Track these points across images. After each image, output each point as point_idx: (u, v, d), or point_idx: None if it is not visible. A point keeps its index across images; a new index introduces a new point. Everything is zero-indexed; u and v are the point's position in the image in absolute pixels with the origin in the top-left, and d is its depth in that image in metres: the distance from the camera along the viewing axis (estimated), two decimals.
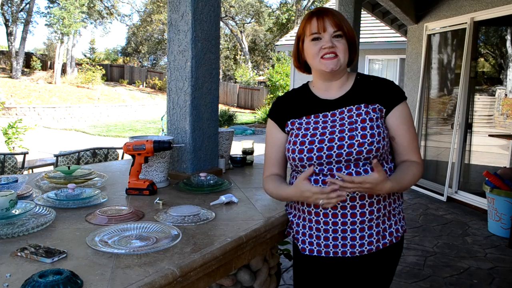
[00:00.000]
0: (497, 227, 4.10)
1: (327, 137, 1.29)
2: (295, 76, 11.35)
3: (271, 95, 17.43)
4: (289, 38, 11.84)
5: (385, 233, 1.32)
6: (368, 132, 1.26)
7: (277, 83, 16.82)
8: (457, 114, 5.32)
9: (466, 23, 5.26)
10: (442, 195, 5.41)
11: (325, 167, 1.28)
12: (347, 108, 1.33)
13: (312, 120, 1.35)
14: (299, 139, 1.33)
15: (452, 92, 5.74)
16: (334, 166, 1.27)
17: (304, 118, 1.37)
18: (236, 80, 26.68)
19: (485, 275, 3.18)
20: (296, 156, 1.31)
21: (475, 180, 5.44)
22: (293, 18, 28.49)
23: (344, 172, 1.27)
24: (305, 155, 1.29)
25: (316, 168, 1.29)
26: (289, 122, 1.39)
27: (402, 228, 1.38)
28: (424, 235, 4.03)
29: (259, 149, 3.40)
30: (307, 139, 1.31)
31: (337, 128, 1.29)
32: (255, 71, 31.09)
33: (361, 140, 1.25)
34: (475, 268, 3.30)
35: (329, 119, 1.33)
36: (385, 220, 1.32)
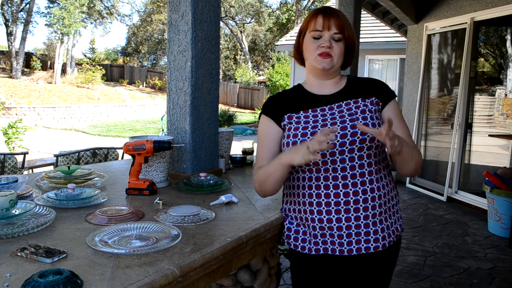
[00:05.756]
0: (497, 227, 4.10)
1: (328, 128, 1.29)
2: (295, 76, 11.34)
3: (271, 95, 17.43)
4: (289, 38, 11.83)
5: (388, 231, 1.33)
6: (369, 121, 1.29)
7: (277, 83, 16.84)
8: (457, 114, 5.32)
9: (466, 23, 5.26)
10: (442, 195, 5.41)
11: (328, 158, 1.28)
12: (345, 102, 1.36)
13: (310, 114, 1.36)
14: (299, 132, 1.33)
15: (452, 92, 5.74)
16: (337, 157, 1.27)
17: (301, 112, 1.38)
18: (236, 80, 26.67)
19: (485, 275, 3.18)
20: None
21: (475, 180, 5.44)
22: (293, 18, 28.48)
23: (347, 164, 1.27)
24: None
25: (319, 160, 1.28)
26: (285, 116, 1.39)
27: (400, 226, 1.40)
28: (424, 235, 4.03)
29: None
30: (308, 130, 1.32)
31: (338, 120, 1.31)
32: (255, 71, 31.09)
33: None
34: (475, 268, 3.30)
35: (328, 112, 1.35)
36: (387, 218, 1.33)
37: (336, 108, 1.35)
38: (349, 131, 1.27)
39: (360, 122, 1.28)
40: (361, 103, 1.34)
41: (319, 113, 1.36)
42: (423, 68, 6.02)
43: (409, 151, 1.26)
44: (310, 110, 1.37)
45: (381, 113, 1.36)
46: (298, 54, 1.44)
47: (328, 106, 1.36)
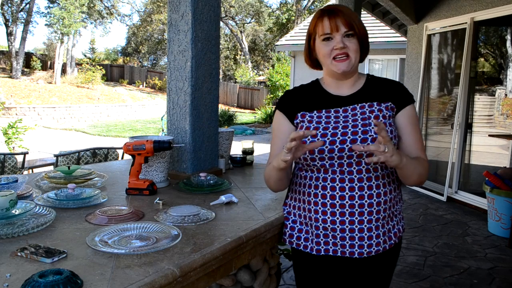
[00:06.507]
0: (497, 227, 4.10)
1: (340, 131, 1.28)
2: (295, 76, 11.34)
3: (271, 95, 17.44)
4: (289, 38, 11.83)
5: (390, 234, 1.33)
6: None
7: (277, 83, 16.82)
8: (457, 114, 5.32)
9: (466, 23, 5.26)
10: (442, 195, 5.41)
11: (336, 161, 1.27)
12: (360, 104, 1.33)
13: (323, 114, 1.34)
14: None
15: (452, 92, 5.74)
16: (345, 161, 1.26)
17: (315, 112, 1.35)
18: (236, 80, 26.67)
19: (485, 275, 3.18)
20: None
21: (475, 180, 5.44)
22: (293, 18, 28.48)
23: (354, 168, 1.26)
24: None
25: (327, 162, 1.28)
26: (299, 114, 1.37)
27: (402, 227, 1.40)
28: (424, 235, 4.03)
29: (259, 149, 3.40)
30: (319, 131, 1.29)
31: (350, 123, 1.29)
32: (255, 71, 31.08)
33: (374, 135, 1.24)
34: (475, 268, 3.30)
35: (341, 114, 1.32)
36: (389, 221, 1.33)
37: (350, 111, 1.32)
38: (359, 136, 1.25)
39: (373, 128, 1.26)
40: (375, 107, 1.31)
41: (332, 114, 1.33)
42: (423, 68, 6.02)
43: (410, 166, 1.23)
44: (324, 110, 1.35)
45: (395, 118, 1.33)
46: (310, 59, 1.41)
47: (343, 108, 1.33)
